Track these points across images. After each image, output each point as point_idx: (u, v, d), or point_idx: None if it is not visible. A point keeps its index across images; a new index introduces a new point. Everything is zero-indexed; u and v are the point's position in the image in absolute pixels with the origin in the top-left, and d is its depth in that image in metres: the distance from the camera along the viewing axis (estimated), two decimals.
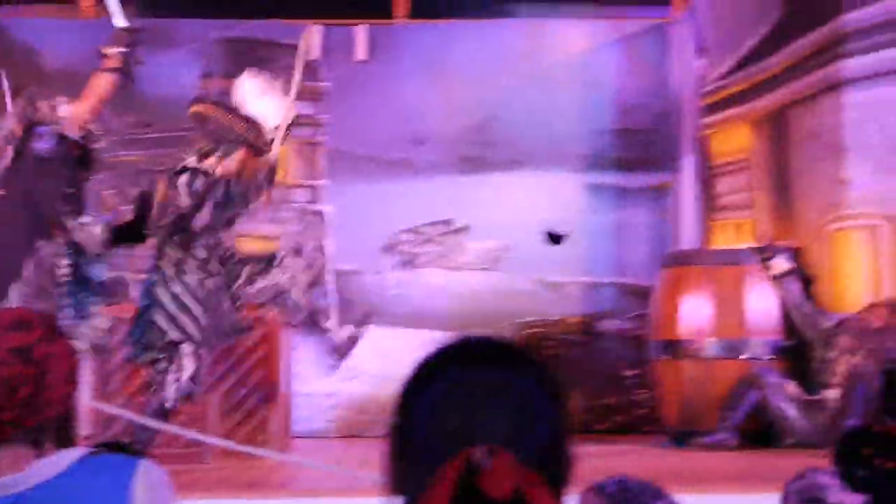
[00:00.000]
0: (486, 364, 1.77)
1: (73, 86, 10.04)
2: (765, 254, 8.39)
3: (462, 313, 9.65)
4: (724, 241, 9.43)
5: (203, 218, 6.27)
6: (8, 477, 2.19)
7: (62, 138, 6.18)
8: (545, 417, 1.75)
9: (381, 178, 10.14)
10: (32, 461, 2.21)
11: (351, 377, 9.86)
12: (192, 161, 6.34)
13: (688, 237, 9.95)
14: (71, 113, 6.23)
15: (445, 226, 9.86)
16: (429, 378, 1.77)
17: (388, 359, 9.85)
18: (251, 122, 6.55)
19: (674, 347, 8.59)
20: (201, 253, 6.29)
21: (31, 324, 2.23)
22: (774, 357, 8.33)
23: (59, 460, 2.21)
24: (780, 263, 8.31)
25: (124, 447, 2.36)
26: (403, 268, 10.11)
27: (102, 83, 6.37)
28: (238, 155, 6.41)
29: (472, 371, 1.76)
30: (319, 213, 10.16)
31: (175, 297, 6.21)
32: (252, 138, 6.49)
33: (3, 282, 5.99)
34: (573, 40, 10.40)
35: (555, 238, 8.21)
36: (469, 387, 1.74)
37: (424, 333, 9.32)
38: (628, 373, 9.97)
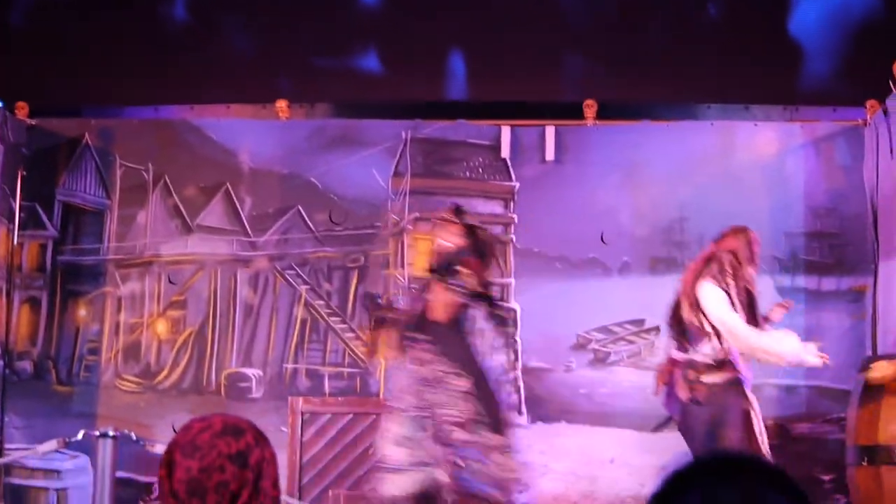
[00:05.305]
0: (740, 481, 1.76)
1: (267, 186, 10.39)
2: None
3: (652, 413, 9.51)
4: None
5: None
6: None
7: None
8: None
9: (571, 278, 10.12)
10: None
11: (541, 474, 9.78)
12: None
13: (889, 341, 9.70)
14: None
15: (637, 325, 9.79)
16: (682, 490, 1.77)
17: (577, 457, 9.76)
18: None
19: (873, 453, 8.32)
20: None
21: (244, 430, 2.25)
22: None
23: None
24: None
25: None
26: (594, 366, 10.05)
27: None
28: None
29: (726, 487, 1.75)
30: (510, 311, 10.17)
31: None
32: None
33: None
34: (764, 143, 10.31)
35: None
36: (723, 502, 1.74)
37: (615, 432, 9.21)
38: (825, 477, 9.70)
